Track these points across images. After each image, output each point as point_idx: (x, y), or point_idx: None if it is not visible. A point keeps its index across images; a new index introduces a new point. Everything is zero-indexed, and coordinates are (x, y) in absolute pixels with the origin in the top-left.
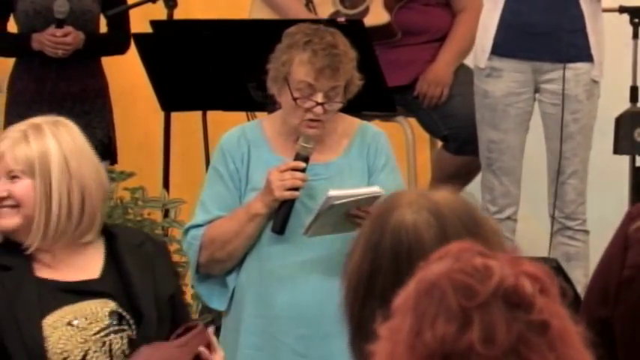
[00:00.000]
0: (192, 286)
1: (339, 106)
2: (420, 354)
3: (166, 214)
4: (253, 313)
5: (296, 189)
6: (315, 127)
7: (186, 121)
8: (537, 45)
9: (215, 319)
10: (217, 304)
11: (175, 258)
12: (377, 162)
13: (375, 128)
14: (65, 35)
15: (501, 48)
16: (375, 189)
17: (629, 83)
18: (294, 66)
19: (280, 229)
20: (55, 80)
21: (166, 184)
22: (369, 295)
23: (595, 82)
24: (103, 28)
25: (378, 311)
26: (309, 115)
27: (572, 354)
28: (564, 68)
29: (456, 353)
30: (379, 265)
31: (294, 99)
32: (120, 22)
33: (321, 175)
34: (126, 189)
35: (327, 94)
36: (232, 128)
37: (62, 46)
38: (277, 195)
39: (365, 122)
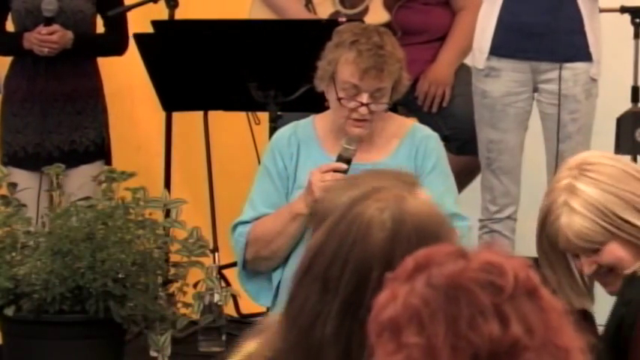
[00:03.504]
0: (194, 286)
1: (385, 107)
2: (465, 355)
3: (168, 214)
4: None
5: None
6: (361, 126)
7: (188, 121)
8: (536, 45)
9: (216, 319)
10: (264, 300)
11: (177, 258)
12: (425, 165)
13: (427, 130)
14: (51, 33)
15: (500, 49)
16: None
17: (631, 83)
18: (340, 65)
19: None
20: (45, 79)
21: (168, 185)
22: (307, 274)
23: (594, 80)
24: (101, 28)
25: (313, 292)
26: (355, 115)
27: (572, 334)
28: (560, 68)
29: (503, 349)
30: (324, 247)
31: (339, 99)
32: (116, 23)
33: None
34: (127, 189)
35: (372, 94)
36: (285, 126)
37: (47, 45)
38: (318, 196)
39: (417, 124)
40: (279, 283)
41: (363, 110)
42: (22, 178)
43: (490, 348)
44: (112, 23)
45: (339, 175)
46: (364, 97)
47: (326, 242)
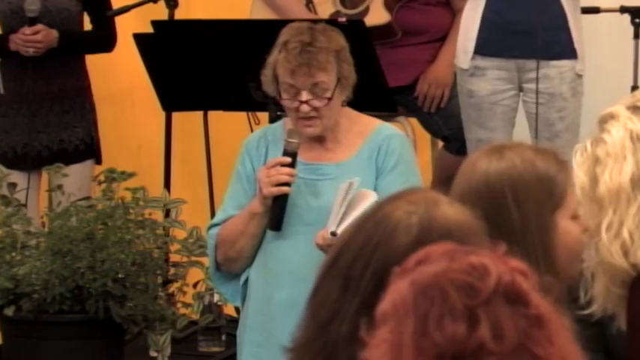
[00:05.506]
0: (194, 286)
1: (325, 101)
2: (429, 355)
3: (167, 214)
4: (256, 310)
5: (286, 184)
6: (310, 125)
7: (187, 121)
8: (520, 43)
9: (216, 319)
10: (239, 301)
11: (176, 258)
12: (385, 164)
13: (392, 130)
14: (35, 33)
15: (484, 48)
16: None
17: (630, 83)
18: (277, 68)
19: (276, 226)
20: (33, 79)
21: (167, 185)
22: (331, 269)
23: (579, 76)
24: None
25: (334, 288)
26: (300, 114)
27: (567, 347)
28: (537, 67)
29: (468, 352)
30: (350, 244)
31: (282, 99)
32: (103, 19)
33: (329, 175)
34: (127, 189)
35: (311, 91)
36: (256, 130)
37: (32, 45)
38: (265, 192)
39: (383, 123)
40: (246, 281)
41: (304, 108)
42: (12, 178)
43: (454, 349)
44: (99, 20)
45: (284, 170)
46: (303, 95)
47: (352, 239)
